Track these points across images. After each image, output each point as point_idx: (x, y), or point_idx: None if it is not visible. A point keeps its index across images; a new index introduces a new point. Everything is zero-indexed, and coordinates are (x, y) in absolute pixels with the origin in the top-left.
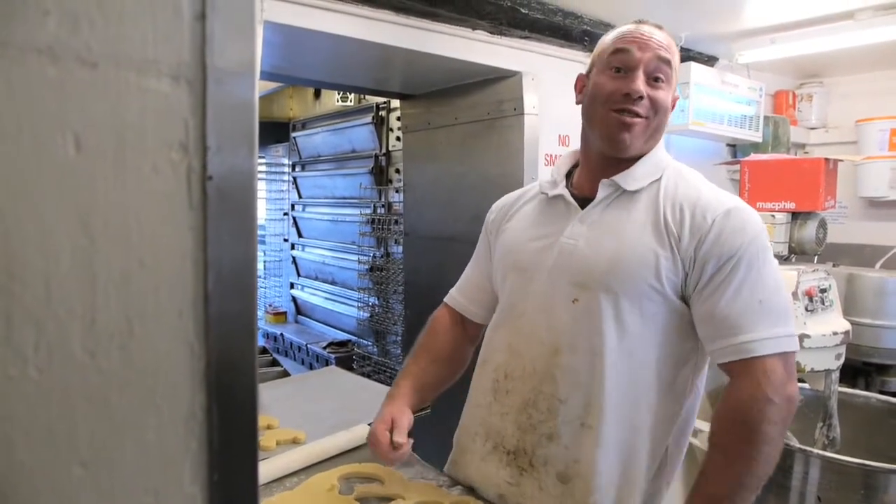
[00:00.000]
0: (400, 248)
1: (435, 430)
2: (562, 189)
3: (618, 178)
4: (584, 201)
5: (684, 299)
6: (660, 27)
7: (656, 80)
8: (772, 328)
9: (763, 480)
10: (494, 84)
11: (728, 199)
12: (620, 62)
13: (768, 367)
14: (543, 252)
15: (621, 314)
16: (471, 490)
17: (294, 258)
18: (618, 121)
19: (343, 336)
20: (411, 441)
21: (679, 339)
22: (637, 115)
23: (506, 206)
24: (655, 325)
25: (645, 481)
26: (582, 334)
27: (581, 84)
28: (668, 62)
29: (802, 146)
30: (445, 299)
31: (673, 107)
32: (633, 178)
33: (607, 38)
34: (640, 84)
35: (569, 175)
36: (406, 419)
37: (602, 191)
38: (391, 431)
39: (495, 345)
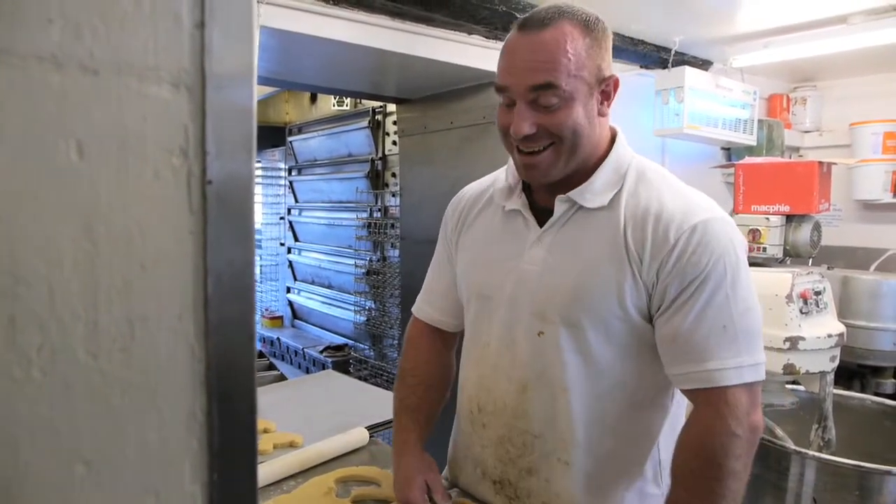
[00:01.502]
0: (396, 252)
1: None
2: (517, 201)
3: (574, 194)
4: (541, 212)
5: (650, 321)
6: (545, 25)
7: (546, 107)
8: (735, 357)
9: None
10: (490, 88)
11: (695, 212)
12: (504, 97)
13: (730, 398)
14: (503, 279)
15: (587, 346)
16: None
17: (290, 262)
18: (520, 161)
19: (340, 340)
20: (450, 494)
21: (651, 359)
22: (536, 151)
23: (463, 209)
24: (624, 351)
25: (634, 489)
26: (548, 369)
27: None
28: (548, 85)
29: (797, 149)
30: (415, 312)
31: (615, 89)
32: (591, 192)
33: (501, 48)
34: (523, 123)
35: None
36: (437, 475)
37: (559, 207)
38: (429, 494)
39: (467, 374)
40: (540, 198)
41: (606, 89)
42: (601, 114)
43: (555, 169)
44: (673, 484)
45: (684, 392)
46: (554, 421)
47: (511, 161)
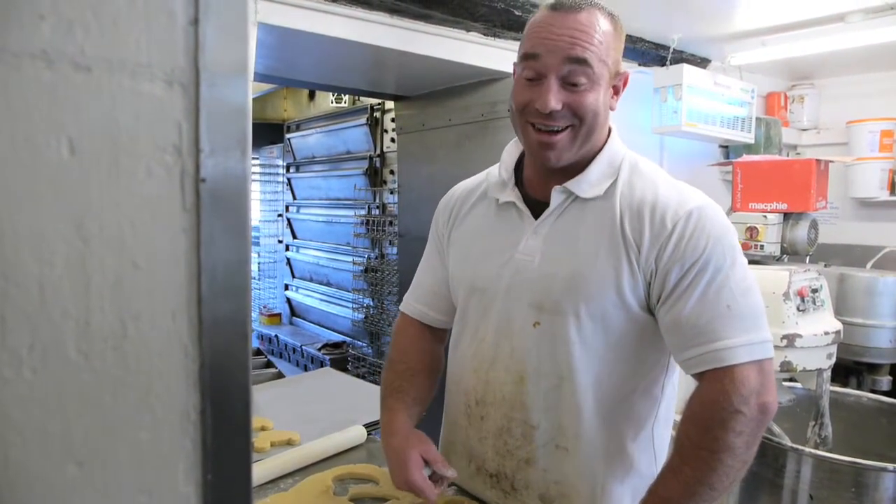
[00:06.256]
0: (394, 250)
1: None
2: (511, 193)
3: (571, 184)
4: (536, 205)
5: (650, 310)
6: (579, 8)
7: (574, 84)
8: (744, 334)
9: (719, 493)
10: (488, 85)
11: (689, 199)
12: (531, 69)
13: (738, 376)
14: (499, 270)
15: (584, 334)
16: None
17: (288, 259)
18: (537, 140)
19: (338, 337)
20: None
21: (647, 348)
22: (555, 130)
23: (454, 205)
24: (621, 339)
25: (630, 483)
26: (546, 359)
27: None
28: (584, 61)
29: (794, 147)
30: (403, 309)
31: (625, 85)
32: (587, 183)
33: (527, 26)
34: (551, 97)
35: (519, 164)
36: (432, 447)
37: (555, 198)
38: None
39: (462, 368)
40: (533, 191)
41: (617, 84)
42: (611, 107)
43: (569, 152)
44: (671, 451)
45: (695, 377)
46: (551, 410)
47: (504, 156)
